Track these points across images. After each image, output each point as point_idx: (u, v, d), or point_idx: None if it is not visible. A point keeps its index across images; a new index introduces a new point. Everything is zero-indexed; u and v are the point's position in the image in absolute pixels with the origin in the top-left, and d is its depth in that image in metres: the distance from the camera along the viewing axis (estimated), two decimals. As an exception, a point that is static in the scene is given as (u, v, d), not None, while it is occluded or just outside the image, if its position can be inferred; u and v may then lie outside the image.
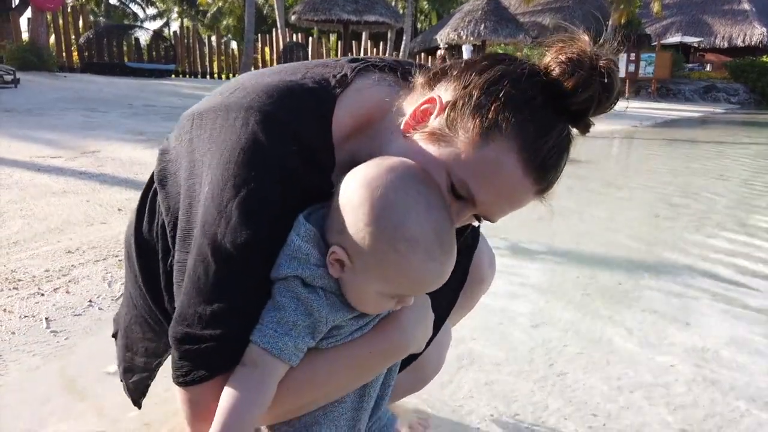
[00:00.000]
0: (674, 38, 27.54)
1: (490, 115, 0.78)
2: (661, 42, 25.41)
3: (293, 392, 0.84)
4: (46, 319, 1.91)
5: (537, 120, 0.79)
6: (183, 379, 0.82)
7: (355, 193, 0.79)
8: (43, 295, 2.09)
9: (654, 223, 3.68)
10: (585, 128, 0.83)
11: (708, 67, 27.70)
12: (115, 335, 1.17)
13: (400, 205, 0.77)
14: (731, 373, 1.75)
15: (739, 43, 28.05)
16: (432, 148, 0.82)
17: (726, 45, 28.79)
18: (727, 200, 4.44)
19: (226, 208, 0.80)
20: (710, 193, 4.71)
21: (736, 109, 20.85)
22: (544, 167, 0.80)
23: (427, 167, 0.82)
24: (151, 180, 1.01)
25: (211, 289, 0.80)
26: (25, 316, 1.91)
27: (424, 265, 0.78)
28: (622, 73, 22.98)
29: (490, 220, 0.87)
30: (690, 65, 28.06)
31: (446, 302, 1.11)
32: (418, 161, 0.82)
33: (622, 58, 22.76)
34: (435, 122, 0.82)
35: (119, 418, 1.39)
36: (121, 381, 1.14)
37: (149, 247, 0.99)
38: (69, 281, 2.23)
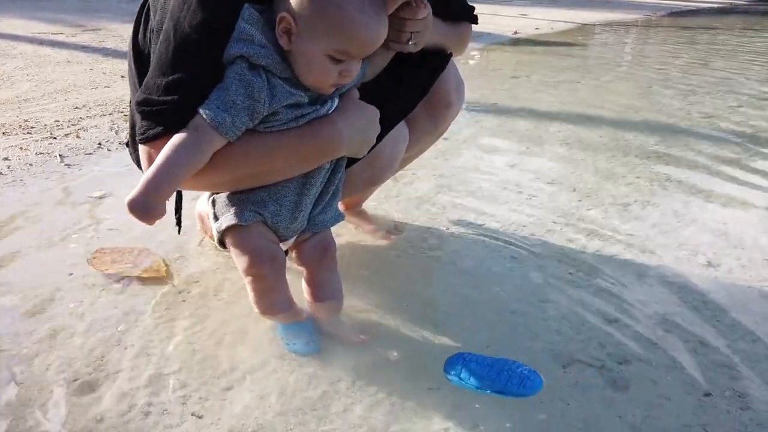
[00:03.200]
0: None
1: None
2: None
3: (229, 164, 0.98)
4: (60, 155, 2.07)
5: None
6: (142, 137, 0.97)
7: None
8: (55, 138, 2.25)
9: (646, 93, 3.72)
10: None
11: (736, -44, 26.01)
12: (126, 143, 1.31)
13: None
14: (692, 193, 1.91)
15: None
16: None
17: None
18: (726, 75, 4.42)
19: None
20: (711, 70, 4.69)
21: (759, 1, 19.83)
22: None
23: None
24: None
25: (169, 64, 0.93)
26: (40, 153, 2.08)
27: (358, 15, 0.90)
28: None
29: None
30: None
31: (400, 110, 1.22)
32: None
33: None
34: None
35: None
36: None
37: (143, 54, 1.11)
38: (78, 129, 2.38)
